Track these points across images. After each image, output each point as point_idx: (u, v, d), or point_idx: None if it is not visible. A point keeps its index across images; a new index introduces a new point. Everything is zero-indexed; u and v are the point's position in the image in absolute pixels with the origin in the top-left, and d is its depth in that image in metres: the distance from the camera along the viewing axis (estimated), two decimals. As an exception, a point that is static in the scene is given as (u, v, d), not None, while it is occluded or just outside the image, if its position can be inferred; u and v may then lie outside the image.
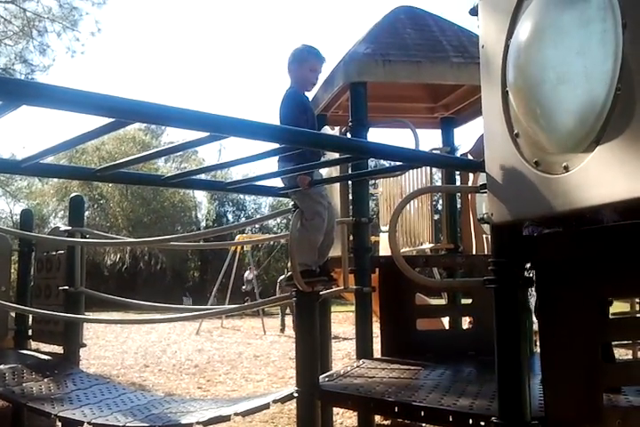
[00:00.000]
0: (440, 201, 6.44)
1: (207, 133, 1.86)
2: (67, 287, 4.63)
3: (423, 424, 5.82)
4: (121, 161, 2.32)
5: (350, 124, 4.33)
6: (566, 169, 1.75)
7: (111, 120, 1.71)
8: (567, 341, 2.14)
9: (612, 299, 3.01)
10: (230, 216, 38.28)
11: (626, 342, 3.46)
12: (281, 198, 31.77)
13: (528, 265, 2.21)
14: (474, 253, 5.27)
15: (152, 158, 2.31)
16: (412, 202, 6.15)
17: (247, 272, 20.76)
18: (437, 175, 8.98)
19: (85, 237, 4.86)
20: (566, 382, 2.13)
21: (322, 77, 5.10)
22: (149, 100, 1.61)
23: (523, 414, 2.08)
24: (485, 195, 2.17)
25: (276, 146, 2.06)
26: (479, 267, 3.93)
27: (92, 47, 59.46)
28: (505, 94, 2.05)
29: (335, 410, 5.58)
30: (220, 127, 1.78)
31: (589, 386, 2.14)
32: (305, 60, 3.30)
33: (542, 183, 1.84)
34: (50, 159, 3.17)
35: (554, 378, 2.12)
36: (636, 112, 1.52)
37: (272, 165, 2.71)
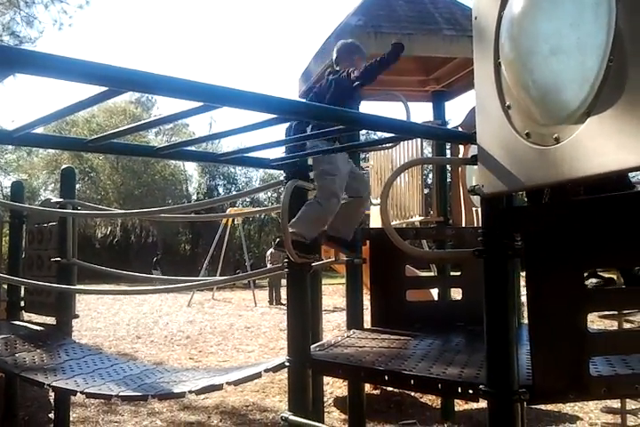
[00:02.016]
0: (430, 175, 6.44)
1: (200, 103, 1.85)
2: (59, 259, 4.63)
3: (412, 393, 5.96)
4: (113, 131, 2.31)
5: (342, 96, 4.30)
6: (557, 140, 1.76)
7: (103, 89, 1.70)
8: (554, 311, 2.18)
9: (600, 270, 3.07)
10: (221, 190, 38.25)
11: (611, 313, 3.51)
12: (272, 172, 31.79)
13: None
14: (463, 226, 5.31)
15: (145, 128, 2.30)
16: (402, 176, 6.16)
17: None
18: (428, 150, 8.98)
19: (77, 209, 4.85)
20: (553, 351, 2.17)
21: (314, 49, 5.08)
22: (142, 69, 1.60)
23: (510, 383, 2.12)
24: (475, 168, 2.18)
25: (270, 116, 2.06)
26: (468, 239, 3.95)
27: (80, 20, 58.48)
28: (497, 66, 2.04)
29: (325, 380, 5.67)
30: (213, 97, 1.77)
31: (575, 355, 2.18)
32: (353, 53, 3.50)
33: (533, 155, 1.85)
34: (40, 131, 3.14)
35: (541, 347, 2.16)
36: (627, 84, 1.53)
37: (264, 137, 2.71)
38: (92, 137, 2.41)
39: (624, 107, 1.54)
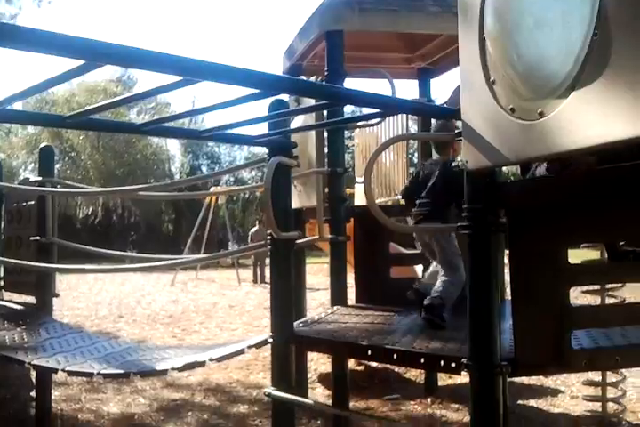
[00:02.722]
0: (416, 154, 6.43)
1: (180, 78, 1.82)
2: (38, 238, 4.58)
3: (396, 369, 6.02)
4: (92, 106, 2.26)
5: (326, 73, 4.27)
6: (541, 115, 1.75)
7: (81, 63, 1.67)
8: (537, 285, 2.20)
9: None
10: (205, 169, 38.02)
11: (594, 288, 3.56)
12: (256, 152, 31.58)
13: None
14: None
15: (125, 103, 2.26)
16: (388, 154, 6.15)
17: (230, 243, 20.33)
18: (413, 128, 8.96)
19: (56, 188, 4.79)
20: (535, 325, 2.20)
21: (298, 26, 5.01)
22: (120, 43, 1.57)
23: (492, 356, 2.14)
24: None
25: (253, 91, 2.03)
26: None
27: (59, -2, 57.16)
28: (482, 41, 2.03)
29: (310, 357, 5.71)
30: (192, 71, 1.74)
31: (557, 329, 2.21)
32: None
33: (517, 130, 1.85)
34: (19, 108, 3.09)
35: (523, 321, 2.18)
36: (611, 58, 1.52)
37: (247, 114, 2.67)
38: (71, 113, 2.37)
39: (608, 81, 1.53)
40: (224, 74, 1.80)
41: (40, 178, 4.63)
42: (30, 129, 34.00)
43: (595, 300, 3.62)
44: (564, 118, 1.67)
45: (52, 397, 4.77)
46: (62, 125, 2.42)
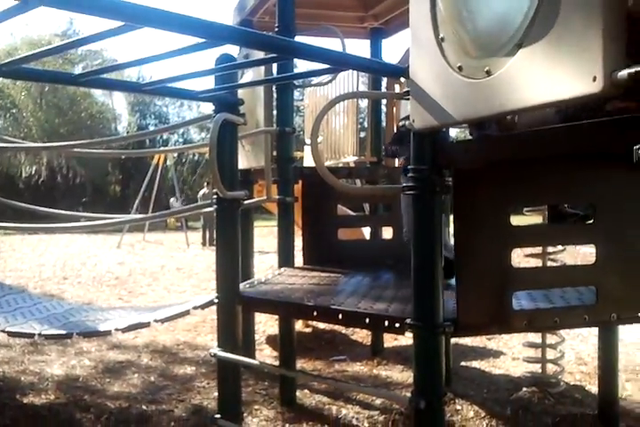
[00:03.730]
0: (367, 119, 6.39)
1: (122, 23, 1.74)
2: (-25, 195, 4.42)
3: (343, 331, 6.11)
4: (27, 54, 2.15)
5: (277, 29, 4.16)
6: (488, 73, 1.73)
7: (16, 2, 1.56)
8: (480, 247, 2.22)
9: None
10: (152, 129, 37.14)
11: (536, 251, 3.63)
12: (205, 112, 30.94)
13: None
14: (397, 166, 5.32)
15: (63, 50, 2.15)
16: (338, 118, 6.10)
17: (172, 199, 20.24)
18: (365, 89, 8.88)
19: (-6, 143, 4.60)
20: (477, 286, 2.23)
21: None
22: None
23: (435, 316, 2.17)
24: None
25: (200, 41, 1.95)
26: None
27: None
28: (433, -3, 1.99)
29: (258, 319, 5.73)
30: (134, 16, 1.65)
31: (499, 290, 2.24)
32: None
33: (465, 88, 1.83)
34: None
35: (466, 282, 2.21)
36: (559, 14, 1.50)
37: (192, 67, 2.58)
38: (5, 61, 2.24)
39: (555, 39, 1.51)
40: (168, 20, 1.72)
41: (-24, 133, 4.43)
42: (-32, 84, 32.56)
43: (537, 263, 3.69)
44: (510, 77, 1.65)
45: (-7, 359, 4.68)
46: (-5, 75, 2.29)
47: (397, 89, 5.13)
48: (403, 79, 2.95)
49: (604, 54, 1.37)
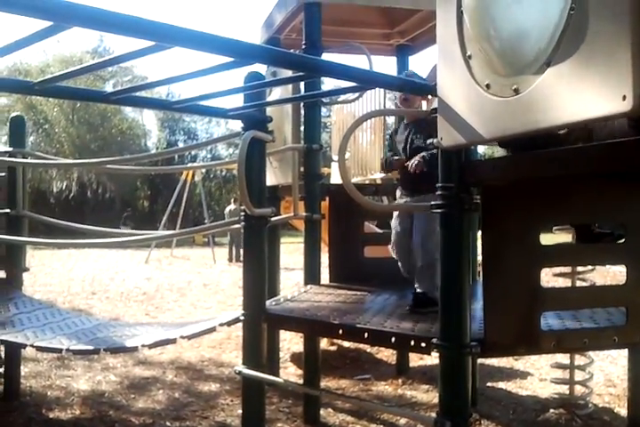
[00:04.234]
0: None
1: (152, 43, 1.76)
2: (8, 211, 4.48)
3: (368, 349, 6.05)
4: (62, 72, 2.19)
5: (304, 46, 4.20)
6: (516, 91, 1.72)
7: (49, 24, 1.60)
8: (508, 266, 2.19)
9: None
10: (181, 145, 37.64)
11: (565, 271, 3.56)
12: (235, 129, 31.26)
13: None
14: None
15: (97, 69, 2.19)
16: (365, 134, 6.10)
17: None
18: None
19: (27, 159, 4.68)
20: (505, 306, 2.19)
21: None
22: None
23: (462, 336, 2.14)
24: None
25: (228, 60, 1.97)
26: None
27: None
28: (460, 15, 1.99)
29: (283, 337, 5.71)
30: (165, 36, 1.68)
31: (527, 310, 2.20)
32: None
33: (493, 106, 1.82)
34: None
35: (494, 302, 2.18)
36: (588, 33, 1.49)
37: (221, 85, 2.60)
38: (39, 80, 2.29)
39: (584, 57, 1.50)
40: (197, 40, 1.75)
41: (10, 149, 4.51)
42: (2, 100, 33.33)
43: (566, 283, 3.62)
44: (539, 95, 1.64)
45: (22, 373, 4.71)
46: (31, 92, 2.35)
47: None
48: (430, 96, 2.96)
49: (634, 73, 1.35)
